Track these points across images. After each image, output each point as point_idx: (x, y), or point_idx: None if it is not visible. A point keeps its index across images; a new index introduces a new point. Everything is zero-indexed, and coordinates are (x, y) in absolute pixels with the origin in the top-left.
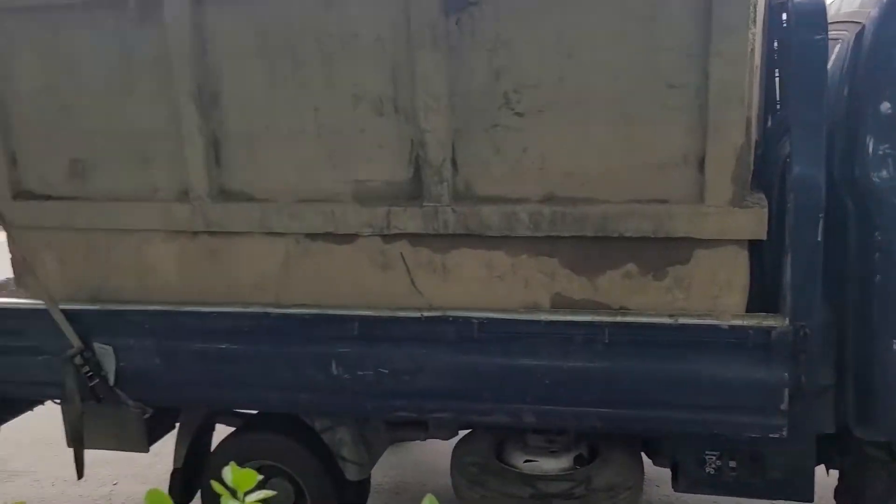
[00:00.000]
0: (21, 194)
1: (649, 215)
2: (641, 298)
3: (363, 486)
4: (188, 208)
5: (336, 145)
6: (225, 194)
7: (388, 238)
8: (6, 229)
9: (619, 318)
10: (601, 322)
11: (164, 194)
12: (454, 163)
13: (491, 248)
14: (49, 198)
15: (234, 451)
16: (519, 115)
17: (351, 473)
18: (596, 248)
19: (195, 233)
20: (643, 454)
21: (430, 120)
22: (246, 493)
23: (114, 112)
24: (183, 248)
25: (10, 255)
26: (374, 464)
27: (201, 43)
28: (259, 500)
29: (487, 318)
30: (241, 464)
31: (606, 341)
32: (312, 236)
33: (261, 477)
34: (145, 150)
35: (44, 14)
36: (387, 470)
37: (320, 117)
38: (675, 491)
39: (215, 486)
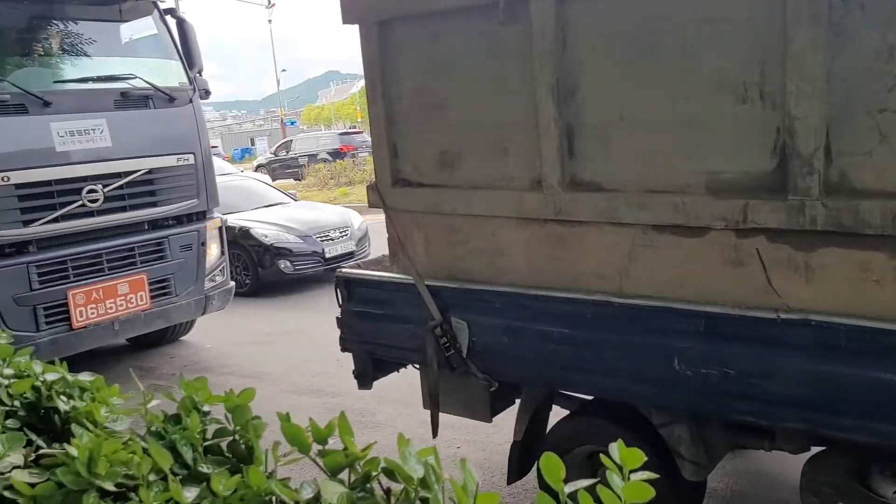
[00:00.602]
0: (398, 182)
1: None
2: None
3: (699, 487)
4: (540, 197)
5: (691, 135)
6: (575, 184)
7: (743, 232)
8: (385, 212)
9: None
10: None
11: (518, 183)
12: (827, 152)
13: (868, 248)
14: (421, 185)
15: (570, 432)
16: None
17: (688, 473)
18: None
19: (545, 220)
20: None
21: (801, 105)
22: (631, 472)
23: (479, 107)
24: (532, 234)
25: (387, 235)
26: (713, 467)
27: (562, 38)
28: (644, 480)
29: (859, 327)
30: (574, 446)
31: None
32: (659, 228)
33: (645, 458)
34: (504, 143)
35: (426, 21)
36: (722, 476)
37: (676, 106)
38: None
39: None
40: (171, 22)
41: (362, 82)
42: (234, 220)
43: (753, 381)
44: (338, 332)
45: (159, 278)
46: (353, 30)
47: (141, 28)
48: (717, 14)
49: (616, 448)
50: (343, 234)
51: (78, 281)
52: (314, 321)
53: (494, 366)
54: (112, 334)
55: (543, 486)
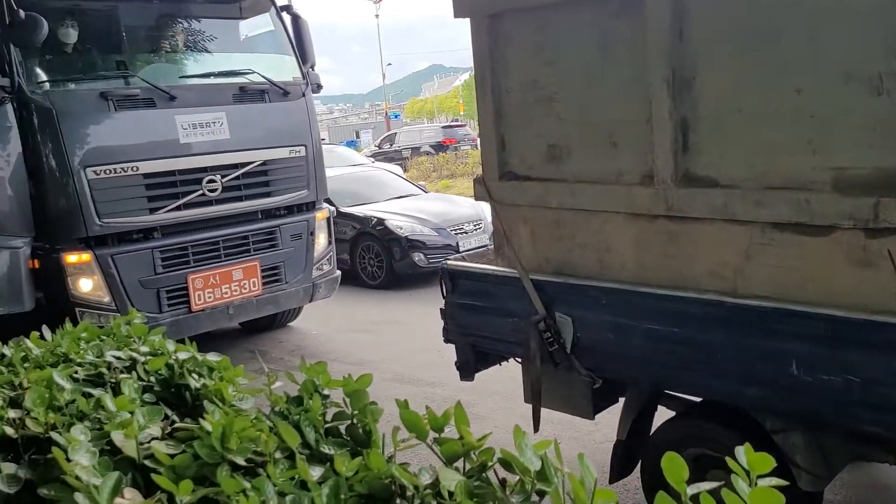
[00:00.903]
0: (505, 175)
1: None
2: None
3: (815, 499)
4: (651, 192)
5: (816, 129)
6: (688, 179)
7: (874, 232)
8: (491, 205)
9: None
10: None
11: (628, 178)
12: None
13: None
14: (528, 179)
15: (677, 434)
16: None
17: (804, 483)
18: None
19: (655, 216)
20: None
21: None
22: (759, 477)
23: (588, 100)
24: (642, 230)
25: (492, 228)
26: (831, 478)
27: (679, 27)
28: (773, 486)
29: None
30: (681, 449)
31: None
32: (780, 226)
33: (775, 464)
34: (614, 136)
35: (537, 14)
36: (839, 487)
37: (800, 98)
38: None
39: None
40: (286, 18)
41: (465, 76)
42: (369, 211)
43: (881, 391)
44: (440, 323)
45: (271, 266)
46: (458, 23)
47: (257, 25)
48: (850, 1)
49: (743, 452)
50: (477, 227)
51: (197, 266)
52: (418, 312)
53: (599, 362)
54: (226, 318)
55: (653, 486)
